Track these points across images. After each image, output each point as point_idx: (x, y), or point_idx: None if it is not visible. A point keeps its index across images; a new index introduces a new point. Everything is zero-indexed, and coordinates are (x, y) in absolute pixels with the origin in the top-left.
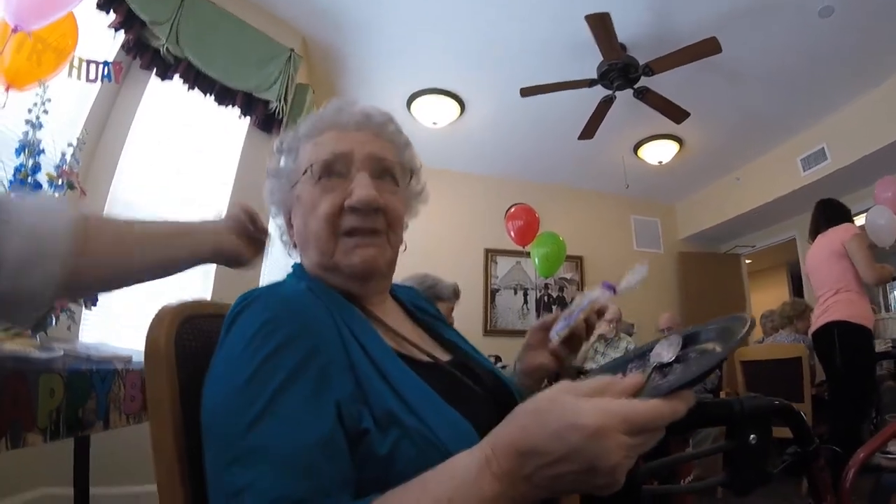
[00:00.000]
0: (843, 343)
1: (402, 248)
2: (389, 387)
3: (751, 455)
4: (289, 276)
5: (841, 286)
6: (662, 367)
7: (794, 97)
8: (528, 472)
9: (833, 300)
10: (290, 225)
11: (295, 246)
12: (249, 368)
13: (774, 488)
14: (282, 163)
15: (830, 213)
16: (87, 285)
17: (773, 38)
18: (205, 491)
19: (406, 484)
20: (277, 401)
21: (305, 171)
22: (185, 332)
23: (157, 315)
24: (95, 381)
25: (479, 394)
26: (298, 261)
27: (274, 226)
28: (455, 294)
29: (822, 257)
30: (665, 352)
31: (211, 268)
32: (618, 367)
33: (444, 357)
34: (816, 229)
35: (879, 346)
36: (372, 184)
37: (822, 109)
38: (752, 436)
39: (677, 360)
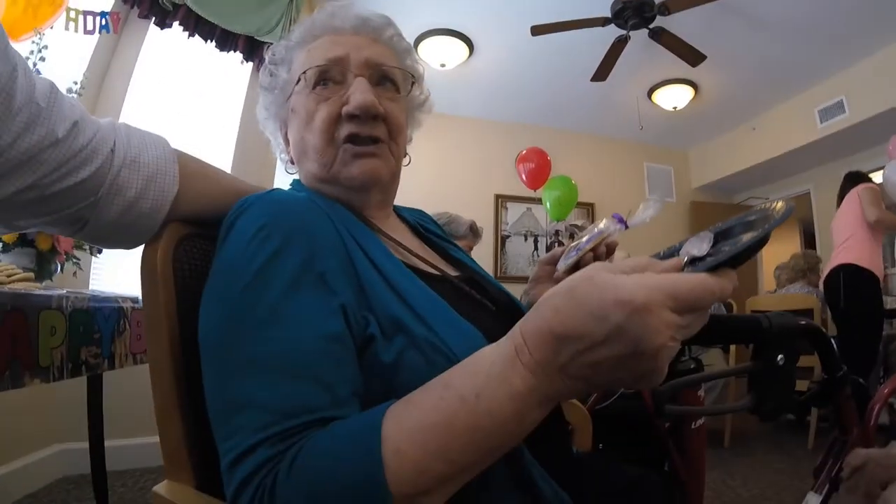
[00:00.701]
0: (847, 284)
1: (405, 160)
2: (396, 294)
3: (778, 377)
4: (288, 189)
5: (851, 233)
6: (695, 262)
7: (814, 46)
8: (564, 361)
9: (843, 246)
10: (286, 140)
11: (293, 162)
12: (247, 275)
13: (780, 443)
14: (274, 74)
15: (856, 178)
16: (187, 217)
17: None
18: (204, 414)
19: (425, 385)
20: (280, 306)
21: (299, 80)
22: (183, 249)
23: (155, 235)
24: (99, 318)
25: (490, 309)
26: (297, 177)
27: (272, 142)
28: (474, 232)
29: (840, 212)
30: (696, 248)
31: None
32: None
33: (452, 273)
34: (842, 195)
35: (892, 304)
36: (371, 89)
37: (842, 60)
38: (779, 356)
39: (710, 255)
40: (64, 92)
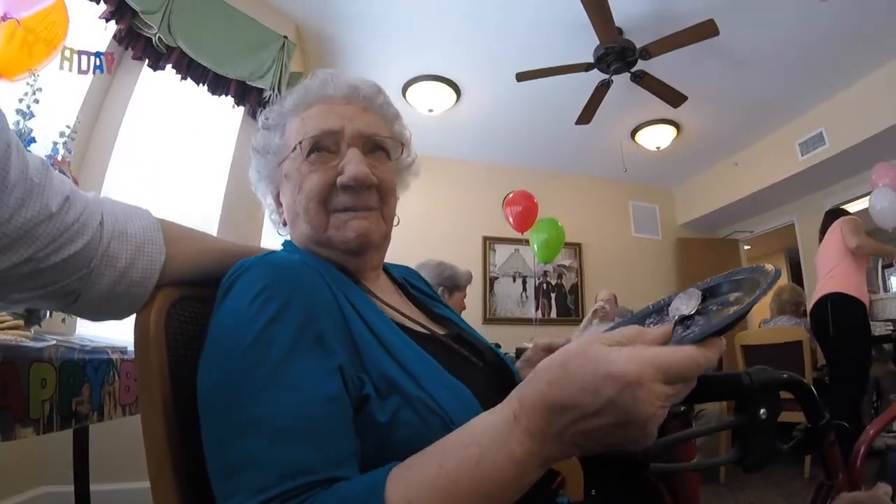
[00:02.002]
0: (836, 312)
1: (395, 221)
2: (389, 354)
3: (761, 430)
4: (280, 251)
5: (835, 264)
6: (684, 320)
7: (792, 81)
8: (559, 429)
9: (828, 276)
10: (278, 203)
11: (284, 224)
12: (248, 338)
13: (775, 473)
14: (267, 139)
15: (836, 213)
16: (177, 281)
17: (772, 21)
18: (199, 478)
19: (424, 450)
20: (279, 369)
21: (294, 149)
22: (176, 312)
23: (148, 299)
24: (89, 370)
25: (479, 366)
26: (288, 238)
27: (263, 205)
28: (469, 280)
29: (823, 245)
30: (684, 305)
31: None
32: (635, 322)
33: (440, 331)
34: (824, 230)
35: (881, 329)
36: (364, 160)
37: (820, 93)
38: (762, 410)
39: (698, 312)
40: (58, 137)
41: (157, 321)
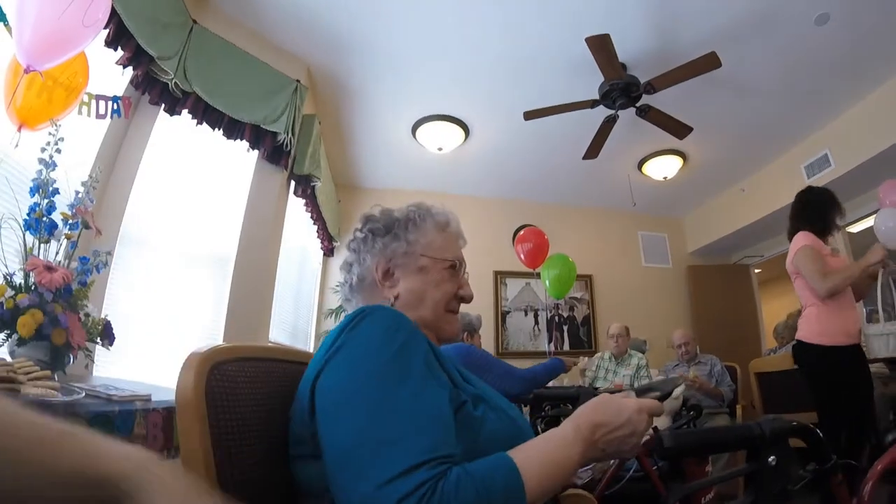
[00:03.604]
0: (802, 365)
1: None
2: (468, 383)
3: (772, 476)
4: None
5: (804, 303)
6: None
7: (794, 105)
8: (597, 437)
9: (800, 320)
10: (384, 276)
11: (390, 298)
12: (390, 352)
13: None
14: (406, 229)
15: (790, 226)
16: None
17: (771, 49)
18: None
19: (524, 445)
20: (422, 379)
21: (445, 259)
22: (214, 379)
23: (184, 364)
24: (118, 423)
25: None
26: (360, 304)
27: (355, 266)
28: (481, 324)
29: (788, 267)
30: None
31: (222, 304)
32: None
33: None
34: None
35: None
36: None
37: (823, 116)
38: (771, 457)
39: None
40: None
41: (196, 389)
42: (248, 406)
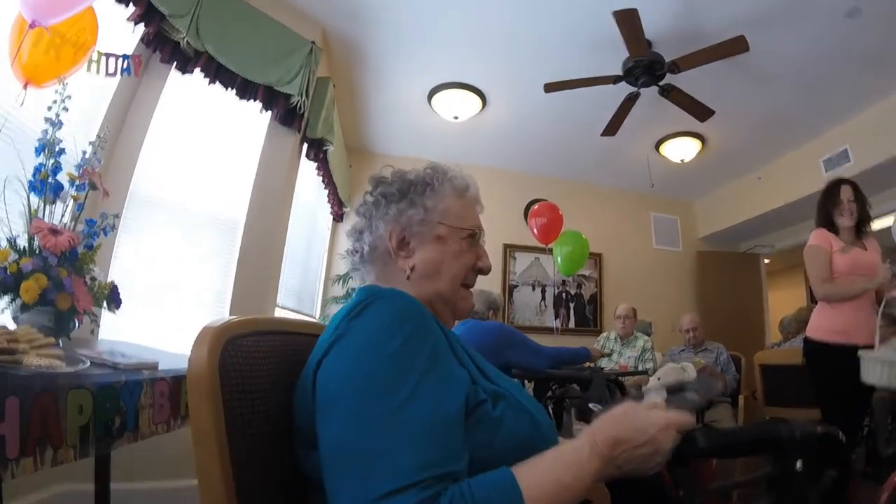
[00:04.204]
0: (807, 360)
1: None
2: (486, 377)
3: (797, 481)
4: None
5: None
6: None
7: (818, 98)
8: (616, 455)
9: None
10: (399, 245)
11: (407, 269)
12: (391, 350)
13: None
14: (422, 194)
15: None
16: None
17: (799, 38)
18: None
19: (532, 460)
20: (421, 382)
21: (473, 233)
22: (228, 355)
23: (197, 339)
24: (124, 393)
25: None
26: (371, 275)
27: (366, 232)
28: (503, 302)
29: None
30: (657, 397)
31: (231, 266)
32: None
33: None
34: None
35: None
36: None
37: (846, 110)
38: (799, 462)
39: (671, 401)
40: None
41: (210, 366)
42: (264, 383)
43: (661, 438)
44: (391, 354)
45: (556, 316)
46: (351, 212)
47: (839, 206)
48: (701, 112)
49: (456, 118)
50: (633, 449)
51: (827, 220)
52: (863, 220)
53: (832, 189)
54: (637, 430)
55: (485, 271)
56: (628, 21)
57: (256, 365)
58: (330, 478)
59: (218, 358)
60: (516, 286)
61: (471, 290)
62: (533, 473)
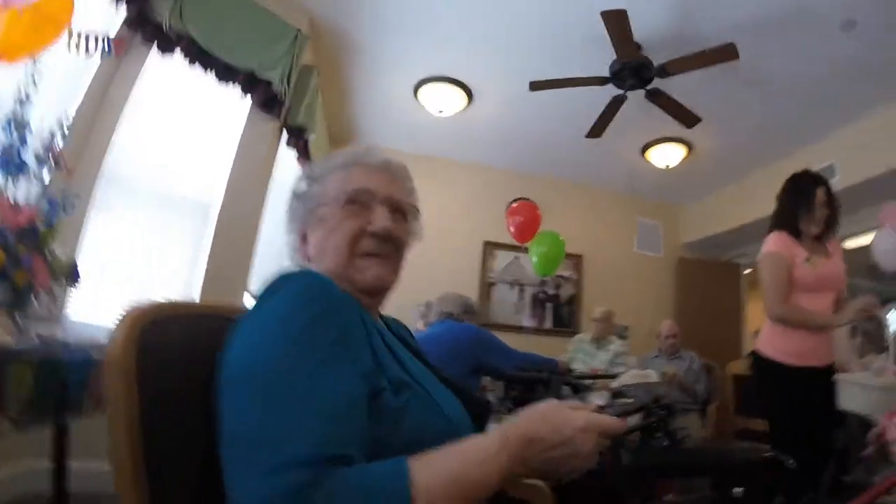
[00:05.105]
0: (754, 375)
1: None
2: (399, 364)
3: None
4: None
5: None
6: (600, 409)
7: (808, 110)
8: (529, 455)
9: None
10: (303, 241)
11: (309, 260)
12: (297, 329)
13: None
14: (310, 187)
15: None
16: None
17: (792, 49)
18: (165, 493)
19: (434, 452)
20: (325, 364)
21: (336, 197)
22: (147, 338)
23: (119, 321)
24: (70, 370)
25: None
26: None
27: (287, 241)
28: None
29: None
30: (598, 400)
31: (202, 251)
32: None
33: None
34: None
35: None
36: (389, 217)
37: (835, 125)
38: (738, 489)
39: (609, 405)
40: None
41: (124, 348)
42: (185, 366)
43: (580, 440)
44: (295, 335)
45: (533, 316)
46: None
47: (811, 211)
48: (688, 118)
49: (441, 112)
50: (548, 449)
51: (791, 223)
52: (830, 226)
53: (807, 188)
54: (553, 430)
55: (379, 233)
56: (617, 22)
57: (177, 348)
58: (226, 456)
59: (136, 340)
60: (494, 284)
61: (377, 258)
62: (432, 466)
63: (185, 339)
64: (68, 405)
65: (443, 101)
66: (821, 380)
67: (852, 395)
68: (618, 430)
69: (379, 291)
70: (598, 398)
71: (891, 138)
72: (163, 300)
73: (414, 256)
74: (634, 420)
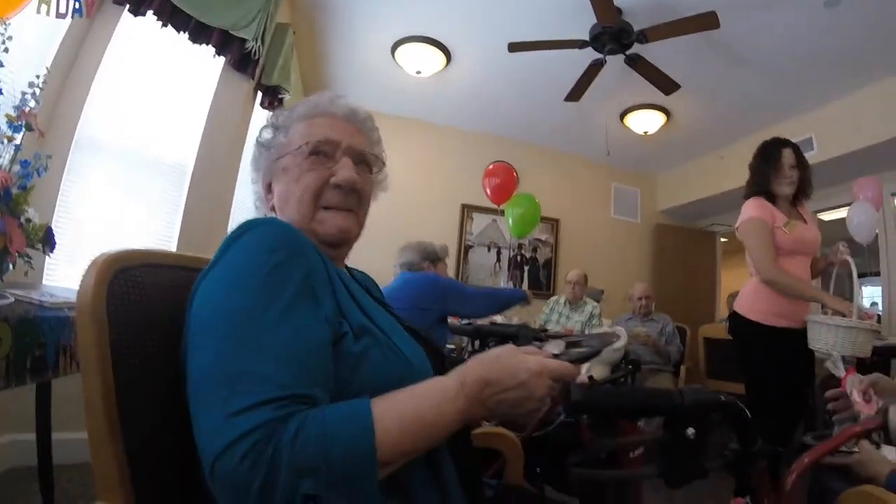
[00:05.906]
0: (734, 336)
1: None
2: (362, 311)
3: (687, 449)
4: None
5: (750, 271)
6: (555, 356)
7: (788, 83)
8: (485, 396)
9: (741, 290)
10: (268, 192)
11: (273, 210)
12: (260, 276)
13: (715, 480)
14: (274, 136)
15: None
16: None
17: (774, 22)
18: (137, 448)
19: (396, 392)
20: (289, 309)
21: (299, 147)
22: (118, 284)
23: (89, 266)
24: (45, 328)
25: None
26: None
27: (252, 188)
28: (446, 252)
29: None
30: (553, 349)
31: (177, 213)
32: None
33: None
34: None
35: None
36: (353, 168)
37: (814, 99)
38: (690, 430)
39: (563, 354)
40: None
41: (96, 294)
42: (154, 314)
43: (533, 384)
44: (260, 281)
45: (509, 278)
46: None
47: (780, 171)
48: (667, 85)
49: (419, 73)
50: (502, 392)
51: (764, 187)
52: (803, 189)
53: (772, 150)
54: (508, 373)
55: (343, 184)
56: None
57: (146, 296)
58: (194, 403)
59: (106, 287)
60: (472, 246)
61: (340, 211)
62: (393, 406)
63: (156, 284)
64: (47, 364)
65: (421, 62)
66: (799, 340)
67: (819, 334)
68: (570, 375)
69: (342, 243)
70: (553, 347)
71: (869, 115)
72: (130, 248)
73: (391, 219)
74: (602, 372)
